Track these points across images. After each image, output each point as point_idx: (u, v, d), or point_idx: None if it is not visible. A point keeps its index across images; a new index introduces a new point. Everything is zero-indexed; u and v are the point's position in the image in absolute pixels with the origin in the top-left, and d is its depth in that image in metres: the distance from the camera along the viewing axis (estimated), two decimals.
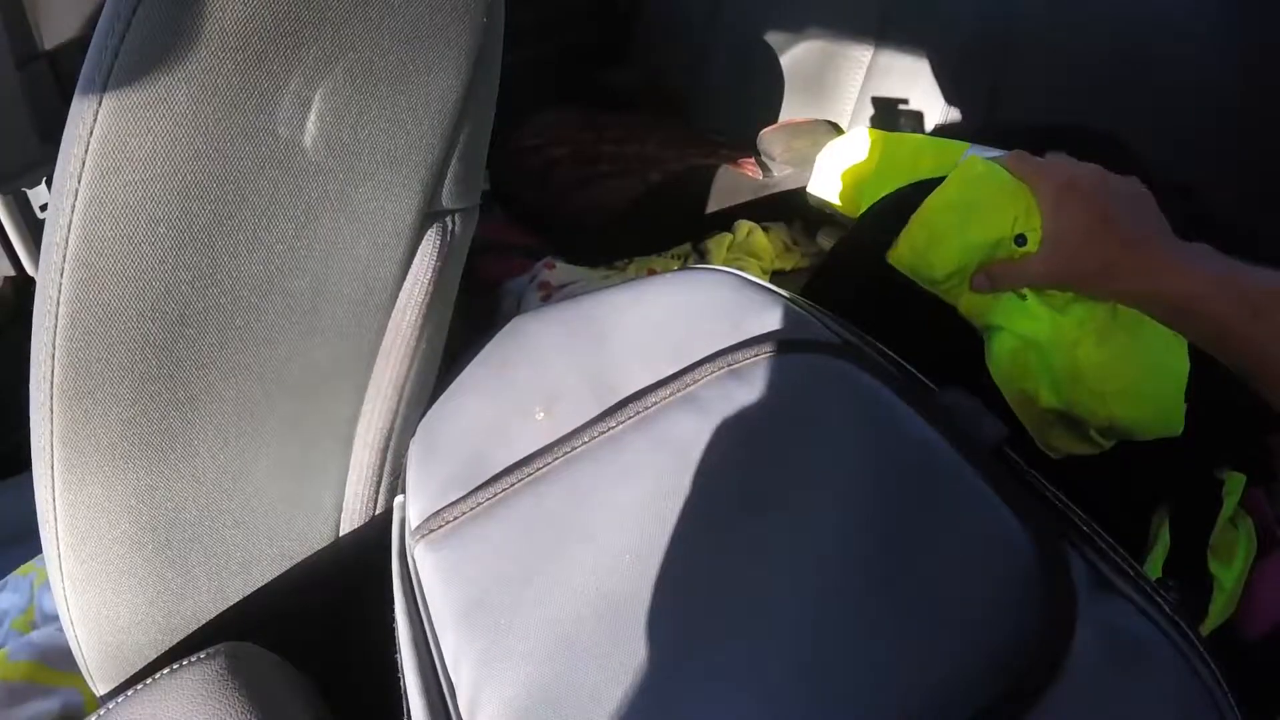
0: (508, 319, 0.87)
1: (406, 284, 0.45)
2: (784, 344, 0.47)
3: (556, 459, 0.44)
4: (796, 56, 1.29)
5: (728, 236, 0.98)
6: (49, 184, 1.03)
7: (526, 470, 0.44)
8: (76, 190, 0.38)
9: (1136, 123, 0.94)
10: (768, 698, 0.34)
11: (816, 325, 0.51)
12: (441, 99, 0.42)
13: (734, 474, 0.42)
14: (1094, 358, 0.66)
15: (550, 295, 0.89)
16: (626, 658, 0.37)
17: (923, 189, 0.73)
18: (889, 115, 1.22)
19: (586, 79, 1.40)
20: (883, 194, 0.81)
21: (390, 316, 0.46)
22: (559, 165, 1.08)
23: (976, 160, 0.73)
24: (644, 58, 1.45)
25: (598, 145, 1.11)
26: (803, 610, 0.36)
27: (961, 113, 1.15)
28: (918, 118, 1.18)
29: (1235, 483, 0.73)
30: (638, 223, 0.97)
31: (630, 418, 0.45)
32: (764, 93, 1.30)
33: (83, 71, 0.38)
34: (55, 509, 0.44)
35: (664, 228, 0.98)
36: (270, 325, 0.43)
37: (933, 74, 1.17)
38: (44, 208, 1.08)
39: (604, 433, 0.44)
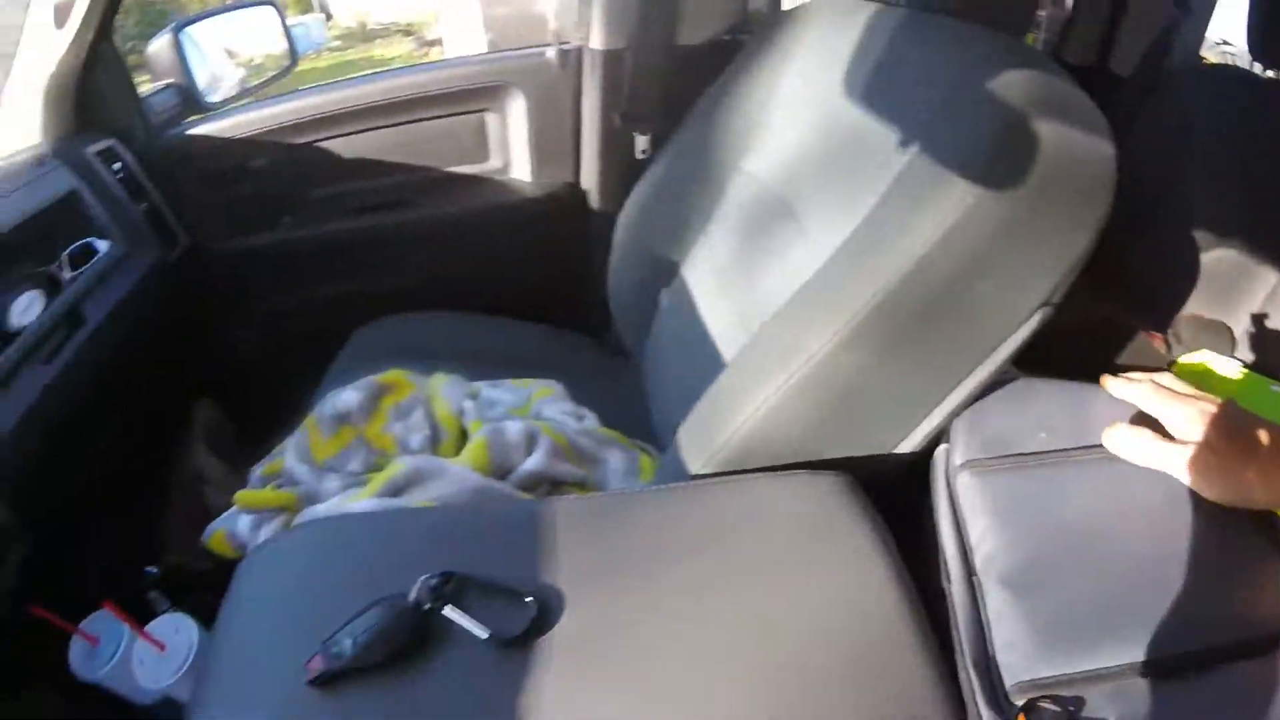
0: None
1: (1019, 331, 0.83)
2: None
3: (1057, 457, 0.77)
4: (1215, 258, 1.44)
5: None
6: (653, 140, 1.66)
7: (1038, 457, 0.77)
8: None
9: None
10: None
11: None
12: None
13: (1160, 498, 0.74)
14: None
15: None
16: (1087, 566, 0.68)
17: None
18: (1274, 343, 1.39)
19: None
20: None
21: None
22: None
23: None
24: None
25: None
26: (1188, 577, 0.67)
27: None
28: None
29: None
30: None
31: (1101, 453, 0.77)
32: (1183, 283, 1.47)
33: None
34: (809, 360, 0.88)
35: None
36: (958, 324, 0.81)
37: None
38: (644, 152, 1.68)
39: (1092, 454, 0.77)
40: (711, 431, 0.89)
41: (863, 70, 1.07)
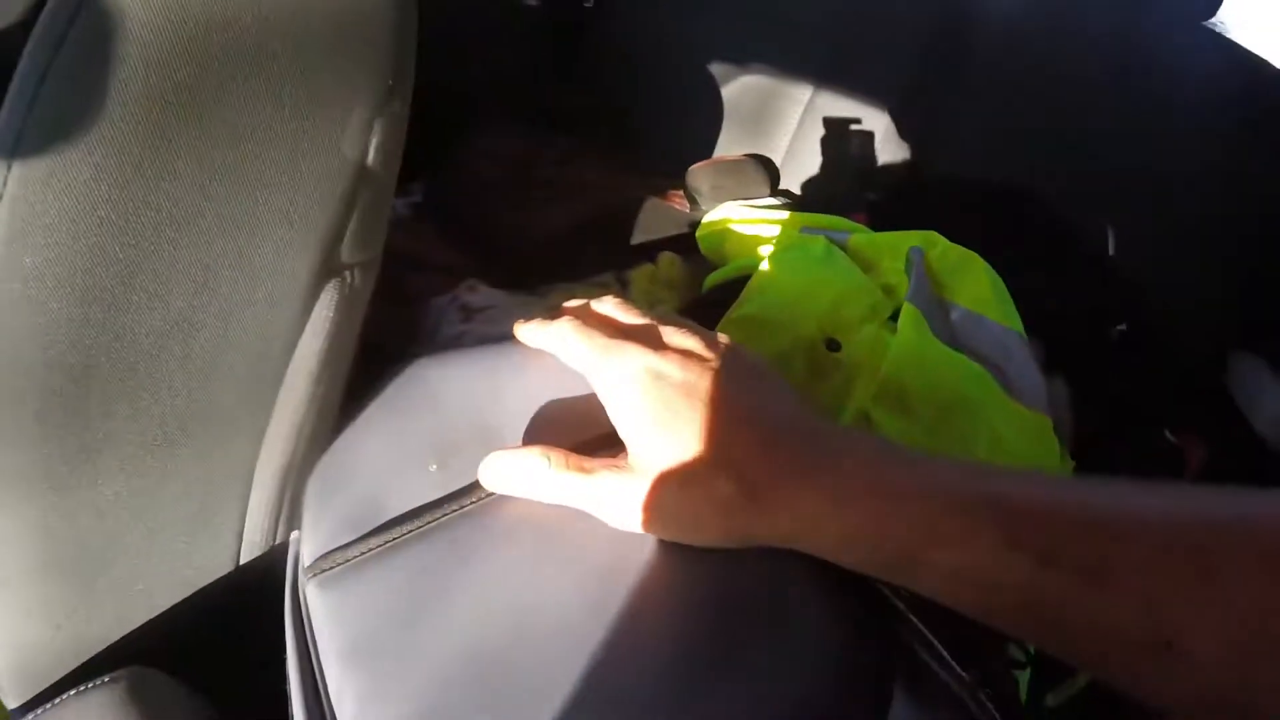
0: (428, 336, 0.90)
1: (305, 335, 0.48)
2: None
3: (447, 514, 0.47)
4: (738, 90, 1.32)
5: (650, 267, 1.00)
6: None
7: (416, 521, 0.47)
8: None
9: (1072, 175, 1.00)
10: None
11: None
12: (341, 163, 0.44)
13: (606, 547, 0.44)
14: None
15: (469, 318, 0.91)
16: (499, 705, 0.39)
17: (735, 287, 0.76)
18: (817, 158, 1.26)
19: (535, 96, 1.42)
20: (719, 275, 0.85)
21: (289, 365, 0.48)
22: (495, 186, 1.10)
23: (773, 264, 0.76)
24: (592, 78, 1.47)
25: (536, 168, 1.13)
26: (652, 691, 0.40)
27: (892, 160, 1.19)
28: (848, 160, 1.23)
29: None
30: (564, 250, 1.00)
31: None
32: (704, 123, 1.33)
33: None
34: None
35: (590, 256, 1.01)
36: (171, 374, 0.45)
37: (866, 122, 1.22)
38: None
39: (490, 495, 0.48)
40: None
41: None
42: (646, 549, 0.44)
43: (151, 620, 0.53)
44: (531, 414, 0.51)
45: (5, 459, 0.43)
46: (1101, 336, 0.94)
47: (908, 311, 0.71)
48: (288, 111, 0.41)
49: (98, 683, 0.48)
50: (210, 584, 0.54)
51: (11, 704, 0.53)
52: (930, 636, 0.42)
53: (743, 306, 0.75)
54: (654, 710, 0.39)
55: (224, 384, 0.46)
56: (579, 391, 0.52)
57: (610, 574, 0.44)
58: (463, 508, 0.47)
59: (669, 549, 0.44)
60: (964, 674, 0.41)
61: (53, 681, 0.52)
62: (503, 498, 0.47)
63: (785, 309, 0.73)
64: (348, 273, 0.48)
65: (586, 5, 1.48)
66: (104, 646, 0.52)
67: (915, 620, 0.43)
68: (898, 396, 0.68)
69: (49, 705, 0.49)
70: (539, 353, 0.54)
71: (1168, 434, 0.86)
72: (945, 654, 0.42)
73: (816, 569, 0.41)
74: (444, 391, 0.55)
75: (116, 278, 0.41)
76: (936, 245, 0.79)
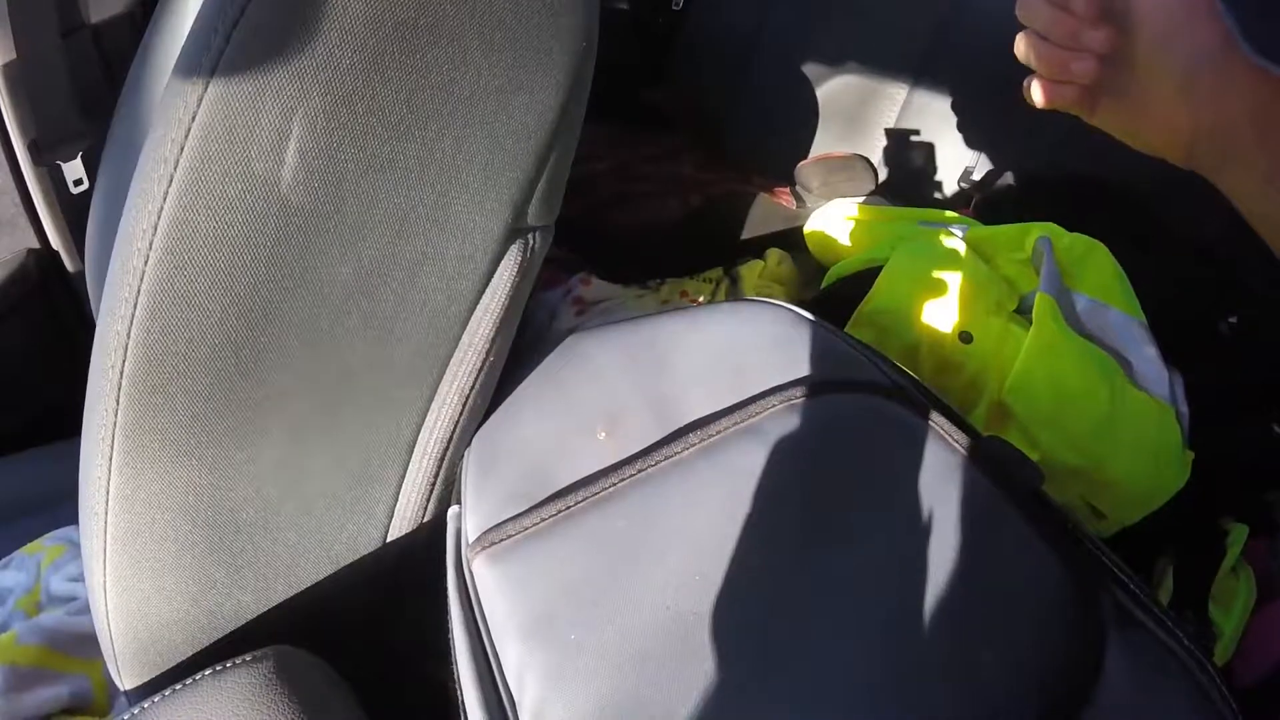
0: (540, 330, 0.88)
1: (485, 297, 0.46)
2: (840, 384, 0.48)
3: (624, 480, 0.45)
4: (834, 89, 1.30)
5: (759, 263, 0.99)
6: (85, 159, 1.02)
7: (592, 489, 0.45)
8: (172, 176, 0.37)
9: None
10: (831, 714, 0.36)
11: (869, 366, 0.52)
12: (539, 120, 0.43)
13: (796, 505, 0.43)
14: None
15: (584, 310, 0.90)
16: (697, 675, 0.38)
17: (862, 281, 0.76)
18: (917, 155, 1.24)
19: (626, 96, 1.41)
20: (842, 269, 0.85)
21: (466, 327, 0.47)
22: (598, 180, 1.09)
23: (901, 257, 0.76)
24: (683, 78, 1.46)
25: (636, 163, 1.12)
26: (862, 637, 0.39)
27: (990, 157, 1.17)
28: (943, 160, 1.20)
29: (1239, 533, 0.75)
30: (674, 244, 0.99)
31: (695, 444, 0.46)
32: (799, 122, 1.31)
33: (187, 47, 0.37)
34: (108, 501, 0.43)
35: (699, 250, 0.99)
36: (352, 330, 0.43)
37: (965, 118, 1.19)
38: (78, 183, 1.07)
39: (669, 457, 0.45)
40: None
41: None
42: (821, 506, 0.43)
43: (295, 596, 0.51)
44: (698, 380, 0.50)
45: (165, 413, 0.41)
46: (1213, 328, 0.92)
47: (1043, 300, 0.71)
48: (497, 57, 0.40)
49: (238, 661, 0.46)
50: (356, 560, 0.52)
51: (127, 684, 0.51)
52: (1145, 593, 0.42)
53: (874, 300, 0.74)
54: (867, 667, 0.38)
55: (403, 343, 0.45)
56: (735, 358, 0.51)
57: (806, 532, 0.43)
58: (641, 472, 0.45)
59: (852, 503, 0.44)
60: (1177, 628, 0.41)
61: (180, 661, 0.50)
62: (683, 462, 0.45)
63: (915, 302, 0.73)
64: (531, 235, 0.46)
65: (675, 8, 1.47)
66: (239, 624, 0.50)
67: (1128, 577, 0.43)
68: (1032, 385, 0.68)
69: (179, 686, 0.45)
70: (693, 324, 0.53)
71: (1276, 428, 0.83)
72: (1160, 609, 0.42)
73: (1030, 532, 0.43)
74: (604, 362, 0.53)
75: (310, 218, 0.39)
76: (1063, 237, 0.80)
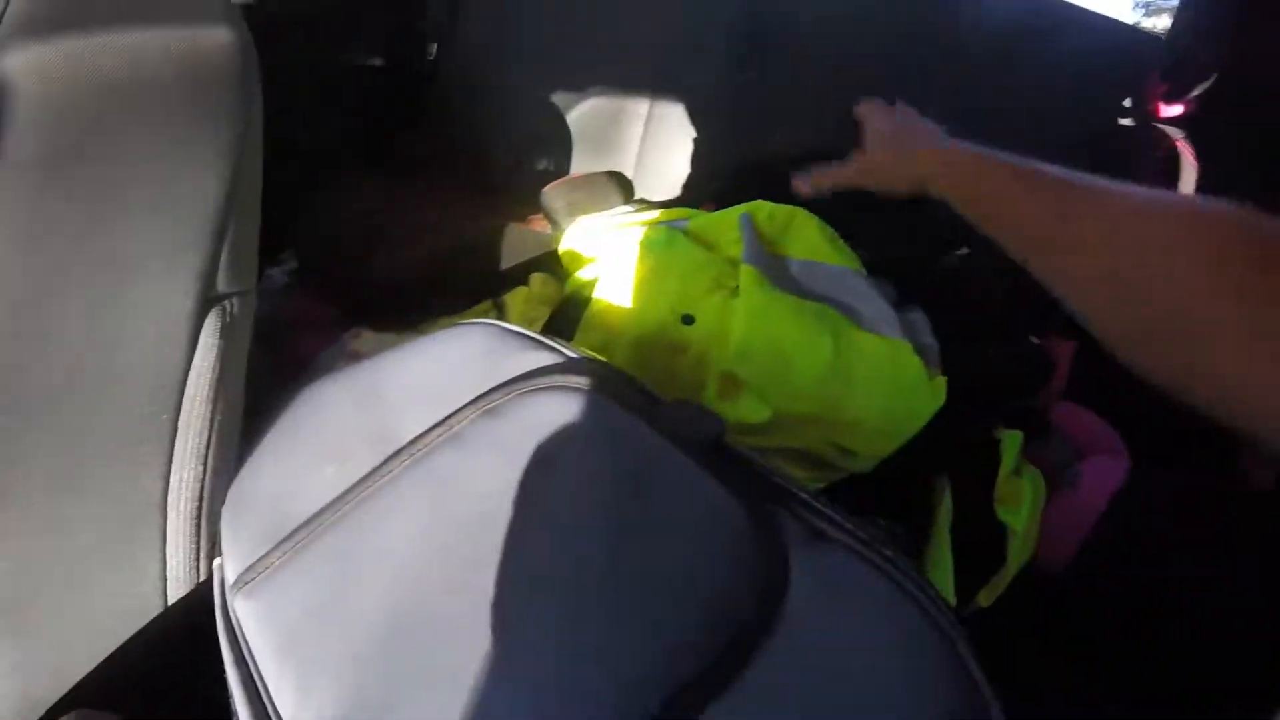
0: None
1: (195, 364, 0.51)
2: (534, 381, 0.54)
3: (346, 506, 0.50)
4: (582, 114, 1.38)
5: (524, 290, 1.04)
6: None
7: (321, 520, 0.50)
8: None
9: None
10: (533, 689, 0.40)
11: (565, 360, 0.57)
12: (205, 199, 0.48)
13: (492, 498, 0.48)
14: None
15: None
16: (415, 669, 0.43)
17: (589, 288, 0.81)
18: (664, 163, 1.34)
19: (380, 145, 1.46)
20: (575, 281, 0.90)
21: (184, 394, 0.52)
22: (356, 234, 1.13)
23: (615, 257, 0.81)
24: (437, 122, 1.51)
25: (392, 212, 1.16)
26: (553, 610, 0.43)
27: (729, 149, 1.27)
28: (687, 164, 1.30)
29: (1011, 440, 0.81)
30: (435, 286, 1.04)
31: (405, 461, 0.51)
32: (556, 150, 1.38)
33: None
34: None
35: (462, 289, 1.04)
36: (72, 410, 0.48)
37: (703, 118, 1.30)
38: None
39: (383, 477, 0.51)
40: None
41: None
42: (516, 495, 0.48)
43: (96, 667, 0.55)
44: (411, 404, 0.56)
45: None
46: (944, 263, 1.01)
47: (745, 271, 0.76)
48: (159, 155, 0.46)
49: None
50: (147, 624, 0.56)
51: None
52: (820, 502, 0.45)
53: (594, 303, 0.80)
54: (560, 640, 0.42)
55: (125, 418, 0.49)
56: (442, 377, 0.57)
57: (501, 519, 0.47)
58: (360, 496, 0.51)
59: (541, 486, 0.48)
60: (865, 532, 0.44)
61: None
62: (394, 479, 0.51)
63: (636, 297, 0.78)
64: (227, 302, 0.52)
65: (429, 58, 1.52)
66: (54, 695, 0.54)
67: (814, 499, 0.46)
68: (755, 351, 0.72)
69: None
70: (409, 355, 0.59)
71: (1033, 339, 0.93)
72: (844, 518, 0.45)
73: (708, 478, 0.46)
74: (331, 402, 0.58)
75: (11, 327, 0.44)
76: (763, 209, 0.85)
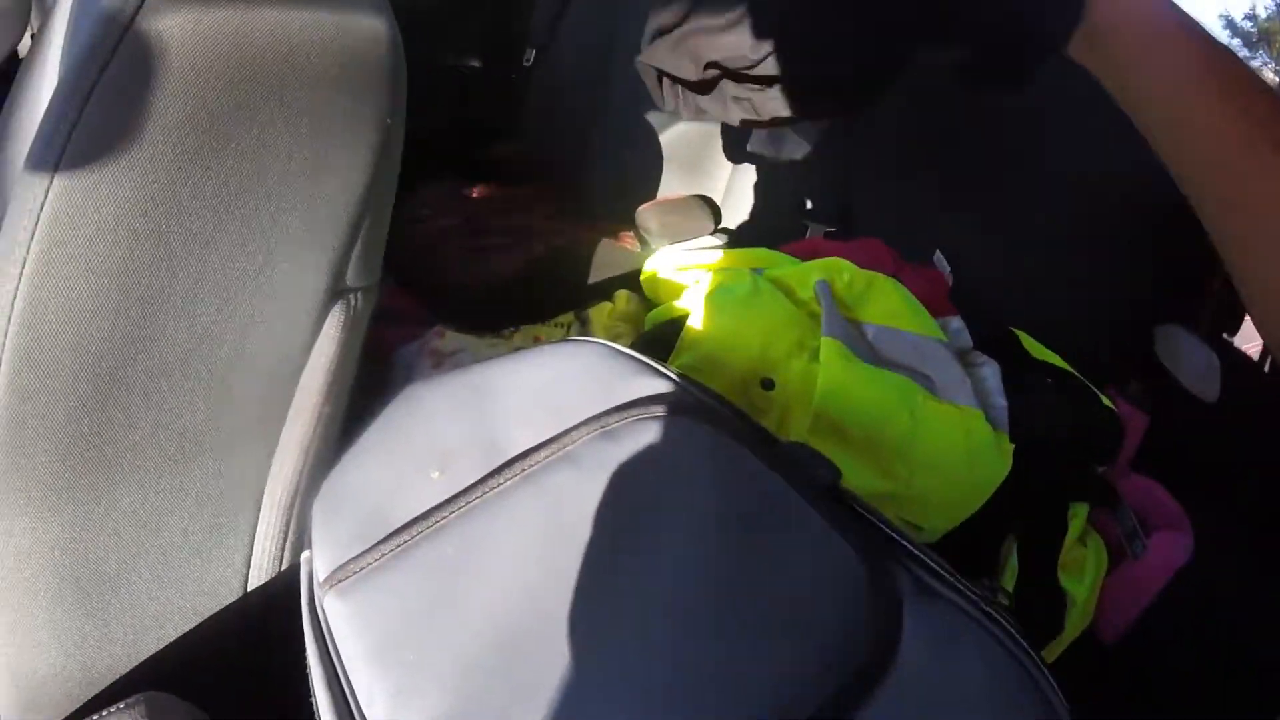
0: (399, 385, 0.92)
1: (314, 355, 0.50)
2: (650, 408, 0.54)
3: (452, 513, 0.49)
4: (675, 135, 1.38)
5: (608, 305, 1.04)
6: None
7: (425, 524, 0.49)
8: (24, 259, 0.41)
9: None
10: (645, 707, 0.40)
11: (679, 389, 0.57)
12: (350, 189, 0.48)
13: (607, 520, 0.47)
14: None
15: (440, 363, 0.93)
16: (524, 681, 0.41)
17: (674, 326, 0.80)
18: (755, 192, 1.32)
19: (474, 152, 1.46)
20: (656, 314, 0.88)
21: (298, 384, 0.51)
22: (447, 236, 1.13)
23: (704, 307, 0.79)
24: (533, 132, 1.51)
25: (484, 217, 1.16)
26: (668, 632, 0.42)
27: (824, 189, 1.26)
28: (780, 194, 1.29)
29: (1079, 508, 0.79)
30: (522, 292, 1.03)
31: (516, 475, 0.50)
32: (646, 169, 1.38)
33: (34, 147, 0.42)
34: None
35: (548, 297, 1.04)
36: (192, 390, 0.47)
37: (801, 153, 1.28)
38: None
39: (494, 489, 0.49)
40: None
41: None
42: (631, 519, 0.47)
43: (163, 647, 0.54)
44: (522, 417, 0.54)
45: (27, 472, 0.44)
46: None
47: (827, 344, 0.74)
48: (304, 141, 0.45)
49: (111, 710, 0.49)
50: (222, 609, 0.55)
51: None
52: (935, 560, 0.45)
53: (680, 356, 0.78)
54: (675, 661, 0.41)
55: (240, 399, 0.49)
56: (555, 394, 0.56)
57: (615, 543, 0.46)
58: (468, 505, 0.50)
59: (656, 512, 0.47)
60: (972, 590, 0.44)
61: (60, 715, 0.52)
62: (505, 492, 0.50)
63: (719, 353, 0.76)
64: (352, 295, 0.51)
65: (526, 64, 1.53)
66: (115, 676, 0.53)
67: (924, 554, 0.46)
68: (831, 424, 0.71)
69: None
70: (518, 366, 0.57)
71: (1105, 400, 0.90)
72: (952, 574, 0.45)
73: (824, 524, 0.45)
74: (437, 409, 0.57)
75: (148, 290, 0.43)
76: (844, 273, 0.83)
